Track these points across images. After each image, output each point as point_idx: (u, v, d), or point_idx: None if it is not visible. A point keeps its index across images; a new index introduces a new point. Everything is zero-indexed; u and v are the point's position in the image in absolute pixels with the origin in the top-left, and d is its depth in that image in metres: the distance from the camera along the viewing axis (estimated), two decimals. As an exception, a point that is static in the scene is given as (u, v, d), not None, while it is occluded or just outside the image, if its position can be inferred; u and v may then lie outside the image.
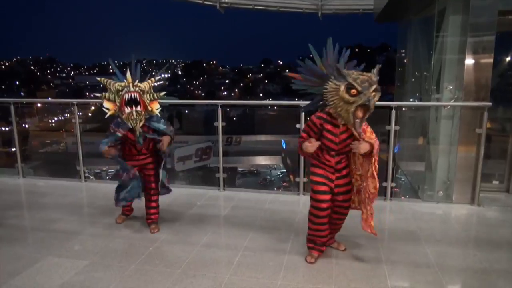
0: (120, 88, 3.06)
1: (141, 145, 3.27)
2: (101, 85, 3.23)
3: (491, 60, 3.98)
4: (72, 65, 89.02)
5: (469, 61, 4.01)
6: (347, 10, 8.72)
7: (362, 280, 2.57)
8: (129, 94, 3.02)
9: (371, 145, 2.58)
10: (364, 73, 2.49)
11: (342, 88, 2.45)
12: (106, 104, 3.13)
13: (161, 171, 3.44)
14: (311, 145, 2.59)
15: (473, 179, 4.04)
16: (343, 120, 2.54)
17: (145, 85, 3.13)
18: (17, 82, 66.02)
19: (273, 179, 25.74)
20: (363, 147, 2.56)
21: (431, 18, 5.16)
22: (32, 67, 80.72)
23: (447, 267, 2.74)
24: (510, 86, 4.78)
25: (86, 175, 5.17)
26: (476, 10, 3.94)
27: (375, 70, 2.52)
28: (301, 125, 4.36)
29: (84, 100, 8.29)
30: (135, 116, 3.06)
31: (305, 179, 4.46)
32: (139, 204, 3.70)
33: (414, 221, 3.64)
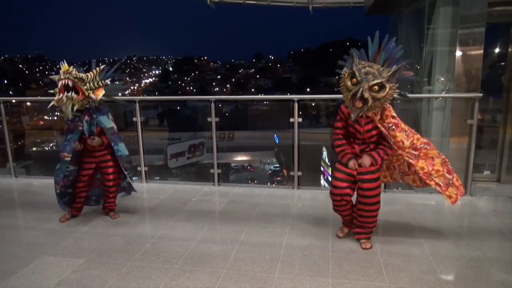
0: (57, 79, 3.16)
1: (87, 135, 3.31)
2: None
3: (481, 52, 4.02)
4: (61, 62, 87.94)
5: (460, 52, 4.05)
6: (338, 4, 8.68)
7: (358, 271, 2.60)
8: (63, 81, 3.11)
9: (372, 156, 2.72)
10: (377, 66, 2.48)
11: (346, 75, 2.52)
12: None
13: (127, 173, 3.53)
14: (354, 165, 2.72)
15: (465, 169, 4.09)
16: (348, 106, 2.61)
17: (88, 75, 3.18)
18: (5, 81, 65.04)
19: (278, 169, 25.90)
20: (366, 161, 2.70)
21: (422, 11, 5.18)
22: (20, 66, 79.59)
23: (441, 256, 2.78)
24: (500, 77, 4.83)
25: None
26: (467, 2, 3.97)
27: (394, 67, 2.47)
28: (295, 119, 4.37)
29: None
30: (65, 101, 3.11)
31: (300, 173, 4.48)
32: (137, 202, 3.70)
33: (408, 212, 3.68)
